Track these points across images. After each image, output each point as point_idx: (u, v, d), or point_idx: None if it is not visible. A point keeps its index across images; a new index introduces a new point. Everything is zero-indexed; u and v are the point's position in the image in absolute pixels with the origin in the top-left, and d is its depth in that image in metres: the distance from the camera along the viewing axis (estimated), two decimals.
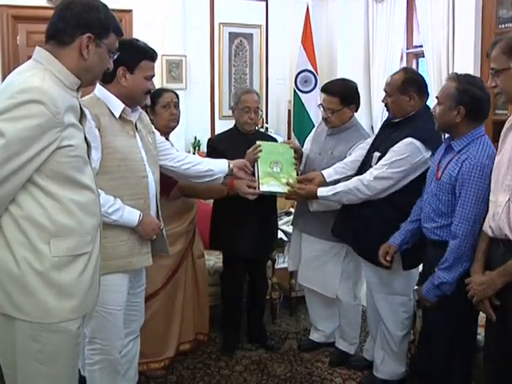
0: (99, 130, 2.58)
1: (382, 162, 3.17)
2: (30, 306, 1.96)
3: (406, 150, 3.09)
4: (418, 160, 3.08)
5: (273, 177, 3.43)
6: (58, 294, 1.98)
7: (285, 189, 3.43)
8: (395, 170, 3.11)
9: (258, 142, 3.53)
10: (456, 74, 2.77)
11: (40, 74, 1.94)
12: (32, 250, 1.94)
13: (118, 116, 2.67)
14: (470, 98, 2.65)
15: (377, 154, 3.26)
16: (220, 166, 3.25)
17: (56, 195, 1.96)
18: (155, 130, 3.02)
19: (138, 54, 2.68)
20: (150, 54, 2.72)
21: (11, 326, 1.98)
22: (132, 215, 2.67)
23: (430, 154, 3.06)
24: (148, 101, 3.19)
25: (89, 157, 2.13)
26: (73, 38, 2.01)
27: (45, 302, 1.97)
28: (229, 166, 3.27)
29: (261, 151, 3.47)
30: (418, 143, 3.08)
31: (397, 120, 3.26)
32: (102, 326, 2.70)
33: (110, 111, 2.66)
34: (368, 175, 3.19)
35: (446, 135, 2.89)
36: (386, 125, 3.38)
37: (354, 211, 3.30)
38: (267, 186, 3.40)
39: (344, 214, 3.39)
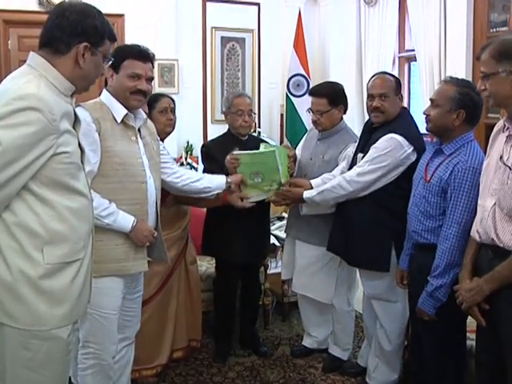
0: (99, 134, 2.60)
1: (364, 159, 3.19)
2: (21, 313, 1.94)
3: (388, 145, 3.11)
4: (401, 154, 3.10)
5: (254, 187, 3.46)
6: (49, 301, 1.97)
7: (268, 194, 3.49)
8: (378, 165, 3.12)
9: (234, 152, 3.49)
10: (452, 77, 2.79)
11: (35, 81, 1.93)
12: (25, 258, 1.93)
13: (119, 121, 2.68)
14: (471, 102, 2.71)
15: (360, 155, 3.28)
16: (217, 183, 3.25)
17: (50, 202, 1.95)
18: (160, 142, 3.04)
19: (121, 54, 2.69)
20: (134, 53, 2.71)
21: (0, 332, 1.96)
22: (126, 220, 2.67)
23: (411, 148, 3.09)
24: (145, 107, 3.19)
25: (82, 162, 2.12)
26: (69, 47, 2.00)
27: (36, 310, 1.95)
28: (226, 181, 3.28)
29: (239, 165, 3.43)
30: (399, 137, 3.10)
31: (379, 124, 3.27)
32: (96, 329, 2.69)
33: (113, 116, 2.67)
34: (351, 172, 3.22)
35: (434, 138, 2.90)
36: (373, 129, 3.35)
37: (347, 222, 3.31)
38: (251, 198, 3.47)
39: (337, 227, 3.40)
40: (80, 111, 2.53)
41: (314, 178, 3.51)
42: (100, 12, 2.09)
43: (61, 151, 1.92)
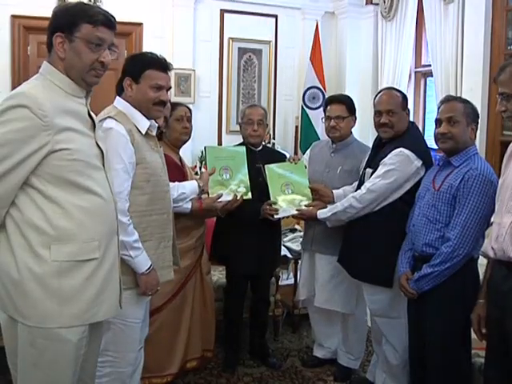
0: (133, 145, 2.60)
1: (374, 174, 3.21)
2: (29, 310, 1.96)
3: (397, 160, 3.13)
4: (410, 169, 3.11)
5: (286, 200, 3.58)
6: (58, 300, 1.98)
7: (298, 207, 3.58)
8: (387, 180, 3.13)
9: (265, 166, 3.61)
10: (451, 95, 2.89)
11: (34, 83, 2.02)
12: (32, 254, 1.95)
13: (143, 132, 2.68)
14: (477, 117, 2.82)
15: (369, 171, 3.30)
16: (190, 187, 3.23)
17: (56, 199, 1.97)
18: None
19: (141, 64, 2.69)
20: (155, 63, 2.69)
21: (15, 328, 2.00)
22: (145, 261, 2.64)
23: (420, 163, 3.11)
24: (167, 113, 3.22)
25: (104, 164, 2.14)
26: (51, 44, 2.06)
27: (44, 307, 1.97)
28: (199, 185, 3.26)
29: (277, 211, 3.57)
30: (407, 152, 3.12)
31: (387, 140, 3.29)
32: (118, 338, 2.69)
33: (136, 127, 2.67)
34: (362, 189, 3.24)
35: (438, 153, 2.94)
36: (382, 144, 3.36)
37: (353, 236, 3.34)
38: (282, 211, 3.57)
39: (345, 241, 3.44)
40: (113, 124, 2.57)
41: (334, 188, 3.58)
42: (80, 2, 2.11)
43: (60, 148, 1.95)
